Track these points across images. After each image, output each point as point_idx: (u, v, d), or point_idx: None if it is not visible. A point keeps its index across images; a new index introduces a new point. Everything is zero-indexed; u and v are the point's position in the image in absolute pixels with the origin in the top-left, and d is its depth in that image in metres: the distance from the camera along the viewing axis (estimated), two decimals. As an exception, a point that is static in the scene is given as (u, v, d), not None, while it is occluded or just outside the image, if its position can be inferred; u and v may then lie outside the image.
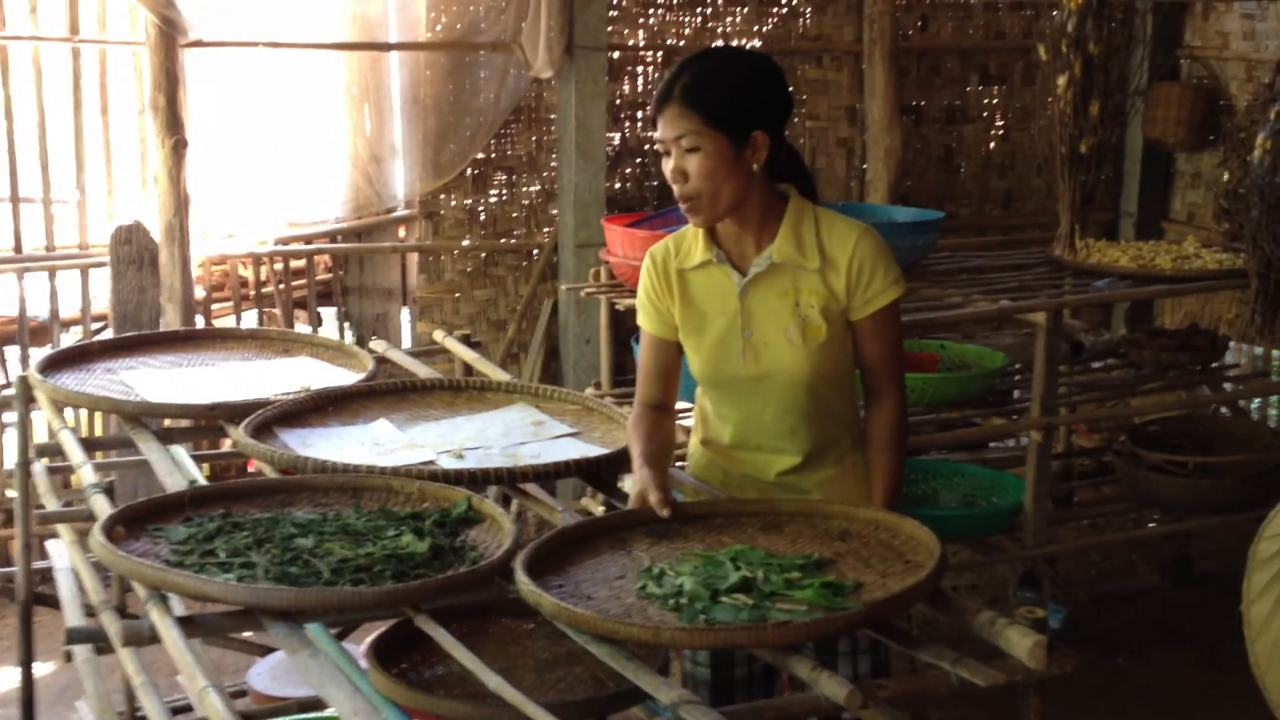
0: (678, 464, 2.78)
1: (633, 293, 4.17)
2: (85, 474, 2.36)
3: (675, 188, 2.37)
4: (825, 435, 2.52)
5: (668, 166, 2.36)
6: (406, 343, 5.48)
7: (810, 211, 2.45)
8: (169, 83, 4.69)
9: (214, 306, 5.20)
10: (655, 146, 2.46)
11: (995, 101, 6.45)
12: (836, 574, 1.88)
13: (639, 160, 5.80)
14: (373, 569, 1.84)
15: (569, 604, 1.75)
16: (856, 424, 2.60)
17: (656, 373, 2.52)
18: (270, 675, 3.13)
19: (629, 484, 2.88)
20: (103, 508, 2.20)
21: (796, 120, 6.01)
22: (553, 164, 5.65)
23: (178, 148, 4.69)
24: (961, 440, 4.28)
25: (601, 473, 2.41)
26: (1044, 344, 3.87)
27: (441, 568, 1.89)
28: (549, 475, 2.29)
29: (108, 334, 4.54)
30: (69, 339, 4.73)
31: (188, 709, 3.12)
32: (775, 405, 2.48)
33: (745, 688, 2.56)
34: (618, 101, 5.71)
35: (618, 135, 5.74)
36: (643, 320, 2.55)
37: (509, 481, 2.29)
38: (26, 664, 3.05)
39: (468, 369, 3.20)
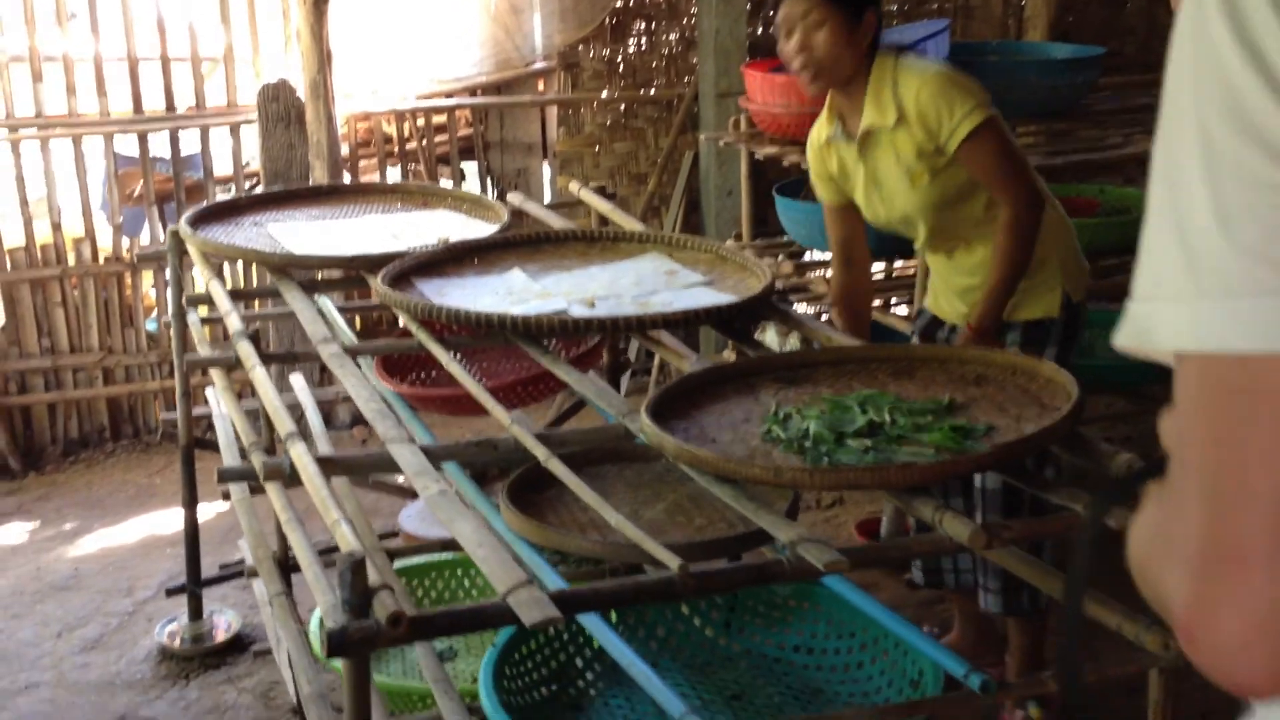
0: None
1: (774, 140, 4.12)
2: (233, 321, 2.45)
3: (796, 61, 2.67)
4: (979, 234, 2.74)
5: (788, 46, 2.66)
6: (548, 197, 5.49)
7: (890, 70, 2.68)
8: (309, -62, 4.70)
9: (360, 163, 5.28)
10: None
11: (1164, -70, 6.04)
12: (968, 418, 1.84)
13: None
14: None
15: (692, 446, 1.75)
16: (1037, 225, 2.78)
17: (843, 237, 2.89)
18: (419, 517, 3.24)
19: (769, 335, 2.89)
20: (248, 351, 2.28)
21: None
22: (693, 10, 5.51)
23: (319, 4, 4.71)
24: (1121, 288, 4.12)
25: (734, 321, 2.39)
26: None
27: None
28: (678, 323, 2.28)
29: (259, 191, 4.65)
30: (223, 196, 4.87)
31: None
32: (920, 233, 2.79)
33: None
34: (759, -57, 5.53)
35: (760, -21, 5.57)
36: (819, 192, 2.90)
37: (639, 329, 2.29)
38: (191, 505, 3.22)
39: (602, 220, 3.19)
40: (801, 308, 3.73)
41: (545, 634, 2.16)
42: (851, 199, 2.86)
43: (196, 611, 3.37)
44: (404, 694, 2.45)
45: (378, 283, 2.50)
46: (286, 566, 2.67)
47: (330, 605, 1.41)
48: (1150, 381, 4.00)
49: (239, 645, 3.35)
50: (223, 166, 5.11)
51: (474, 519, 1.57)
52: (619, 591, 1.42)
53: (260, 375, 2.14)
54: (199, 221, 3.04)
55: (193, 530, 3.25)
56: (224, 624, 3.40)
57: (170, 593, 3.51)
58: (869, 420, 1.82)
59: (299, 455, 1.79)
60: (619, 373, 3.44)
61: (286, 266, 2.78)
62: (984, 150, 2.62)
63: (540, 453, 1.83)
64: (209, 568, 3.61)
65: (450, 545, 2.81)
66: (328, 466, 1.80)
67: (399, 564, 2.83)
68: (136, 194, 5.03)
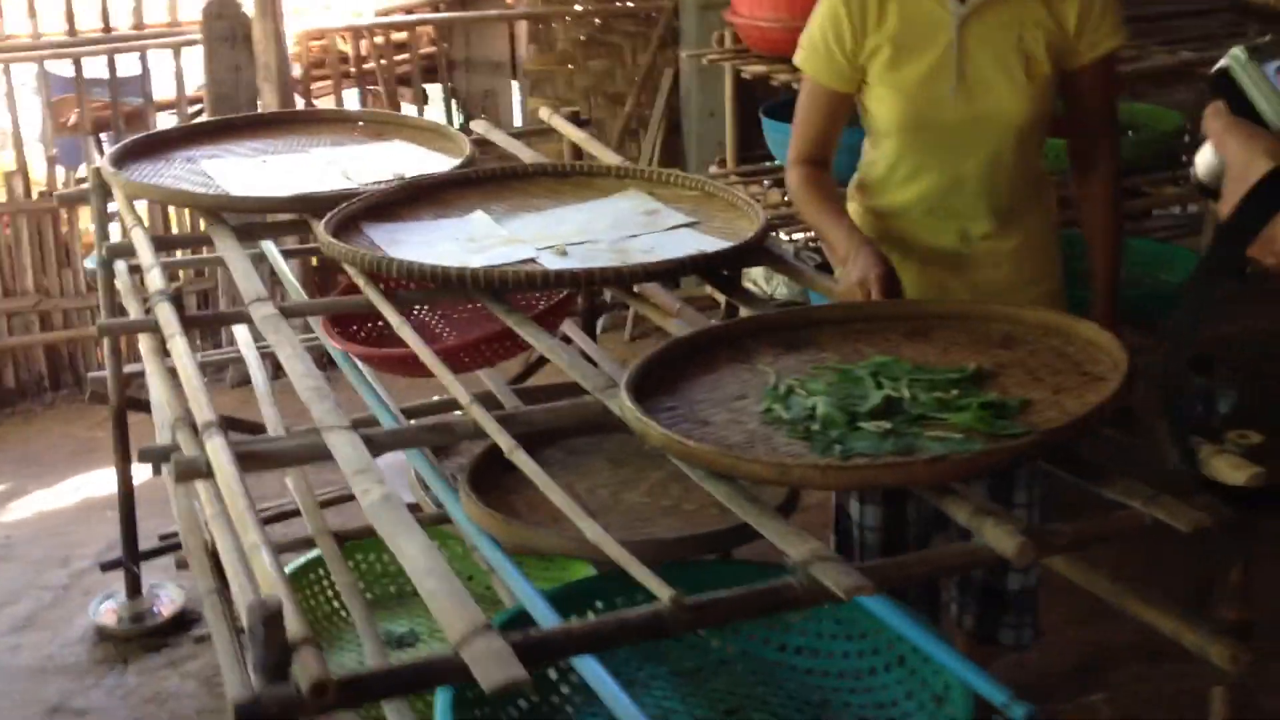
0: None
1: (761, 58, 3.81)
2: (153, 278, 2.16)
3: None
4: (1022, 195, 2.33)
5: None
6: (518, 120, 5.17)
7: None
8: None
9: (314, 85, 4.94)
10: None
11: None
12: (999, 390, 1.58)
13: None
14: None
15: (681, 433, 1.49)
16: (1046, 184, 2.41)
17: (820, 131, 2.33)
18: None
19: (761, 278, 2.60)
20: (168, 317, 2.00)
21: None
22: (671, -85, 5.16)
23: (266, -88, 4.36)
24: (1132, 211, 3.86)
25: (723, 268, 2.12)
26: (1230, 101, 3.40)
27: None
28: (662, 275, 2.01)
29: (204, 119, 4.32)
30: (166, 123, 4.54)
31: (295, 513, 3.01)
32: (979, 156, 2.26)
33: (915, 528, 2.36)
34: None
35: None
36: (812, 66, 2.31)
37: (616, 282, 2.02)
38: (124, 471, 2.95)
39: (576, 151, 2.90)
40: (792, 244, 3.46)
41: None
42: (847, 90, 2.29)
43: (135, 588, 3.12)
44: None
45: (320, 230, 2.22)
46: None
47: (235, 671, 1.15)
48: (1162, 312, 3.75)
49: (182, 623, 3.11)
50: (165, 91, 4.77)
51: (422, 538, 1.30)
52: (598, 632, 1.17)
53: (179, 347, 1.86)
54: (125, 158, 2.73)
55: (128, 500, 2.98)
56: (165, 600, 3.15)
57: (105, 567, 3.24)
58: (885, 396, 1.56)
59: (215, 451, 1.52)
60: (596, 316, 3.17)
61: (220, 210, 2.49)
62: (1110, 76, 2.29)
63: (504, 442, 1.57)
64: (149, 535, 3.33)
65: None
66: (250, 462, 1.53)
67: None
68: (72, 123, 4.69)
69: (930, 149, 2.28)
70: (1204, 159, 1.25)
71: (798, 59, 2.36)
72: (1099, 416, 1.43)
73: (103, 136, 4.62)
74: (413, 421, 1.70)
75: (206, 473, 1.53)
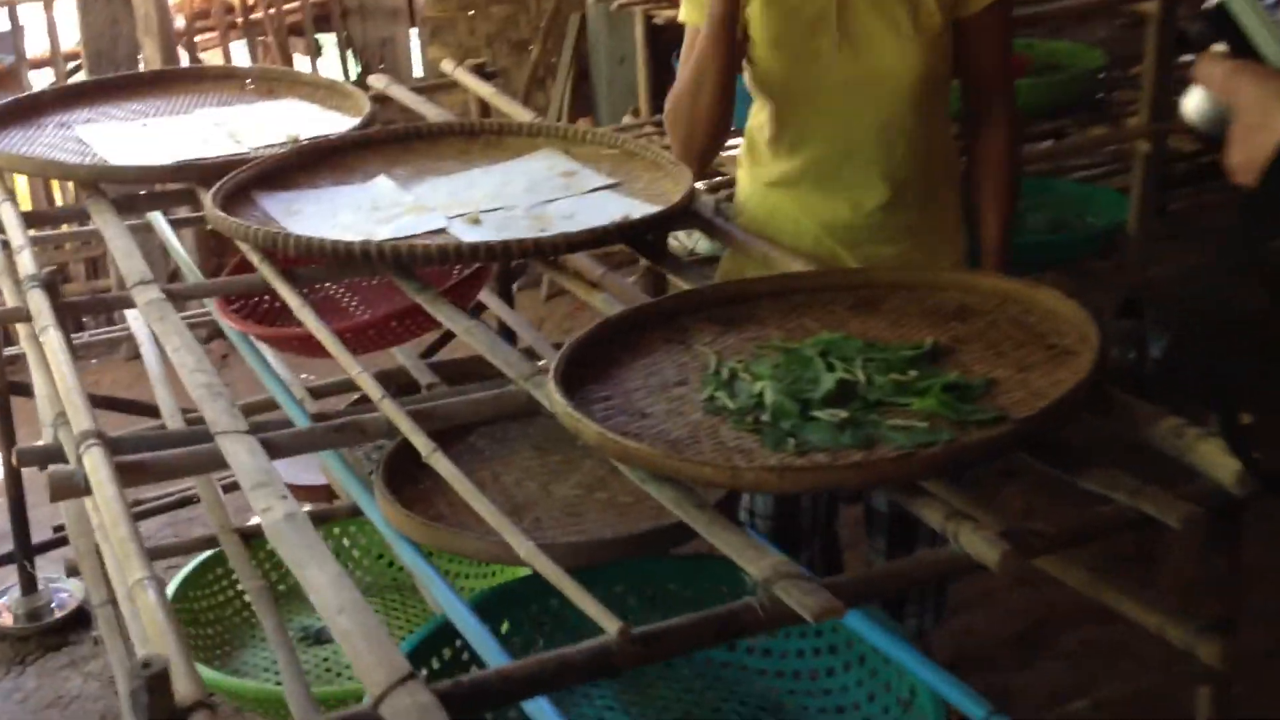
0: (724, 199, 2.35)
1: (673, 3, 3.63)
2: (23, 261, 1.96)
3: None
4: (919, 163, 2.13)
5: None
6: (418, 70, 4.94)
7: None
8: None
9: (198, 39, 4.66)
10: None
11: None
12: (959, 368, 1.46)
13: None
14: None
15: (618, 430, 1.35)
16: (950, 152, 2.22)
17: (725, 66, 2.07)
18: (299, 463, 2.82)
19: (685, 237, 2.45)
20: (40, 307, 1.80)
21: None
22: None
23: None
24: (1059, 153, 3.77)
25: (649, 235, 1.97)
26: (1157, 36, 3.34)
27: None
28: (584, 245, 1.86)
29: (80, 77, 4.04)
30: (41, 83, 4.25)
31: (193, 499, 2.83)
32: (869, 119, 2.08)
33: (809, 514, 2.24)
34: None
35: None
36: (693, 17, 2.12)
37: (536, 253, 1.86)
38: (9, 460, 2.74)
39: (484, 107, 2.71)
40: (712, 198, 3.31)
41: (447, 648, 1.78)
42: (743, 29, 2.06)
43: (31, 584, 2.92)
44: (267, 700, 2.05)
45: (208, 203, 2.02)
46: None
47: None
48: (1088, 255, 3.70)
49: (83, 620, 2.91)
50: (38, 48, 4.46)
51: (332, 566, 1.15)
52: (537, 676, 1.03)
53: (53, 341, 1.67)
54: (-10, 125, 2.50)
55: (16, 492, 2.77)
56: (64, 596, 2.95)
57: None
58: (838, 380, 1.43)
59: (93, 468, 1.35)
60: (512, 280, 3.00)
61: (97, 181, 2.28)
62: (1009, 25, 2.11)
63: (422, 444, 1.42)
64: (43, 524, 3.11)
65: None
66: (133, 475, 1.36)
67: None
68: (-64, 84, 4.38)
69: (811, 115, 2.11)
70: (1195, 103, 1.14)
71: (681, 13, 2.18)
72: (1078, 399, 1.31)
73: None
74: (318, 424, 1.53)
75: (84, 489, 1.36)
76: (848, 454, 1.29)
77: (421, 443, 1.41)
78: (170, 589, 2.33)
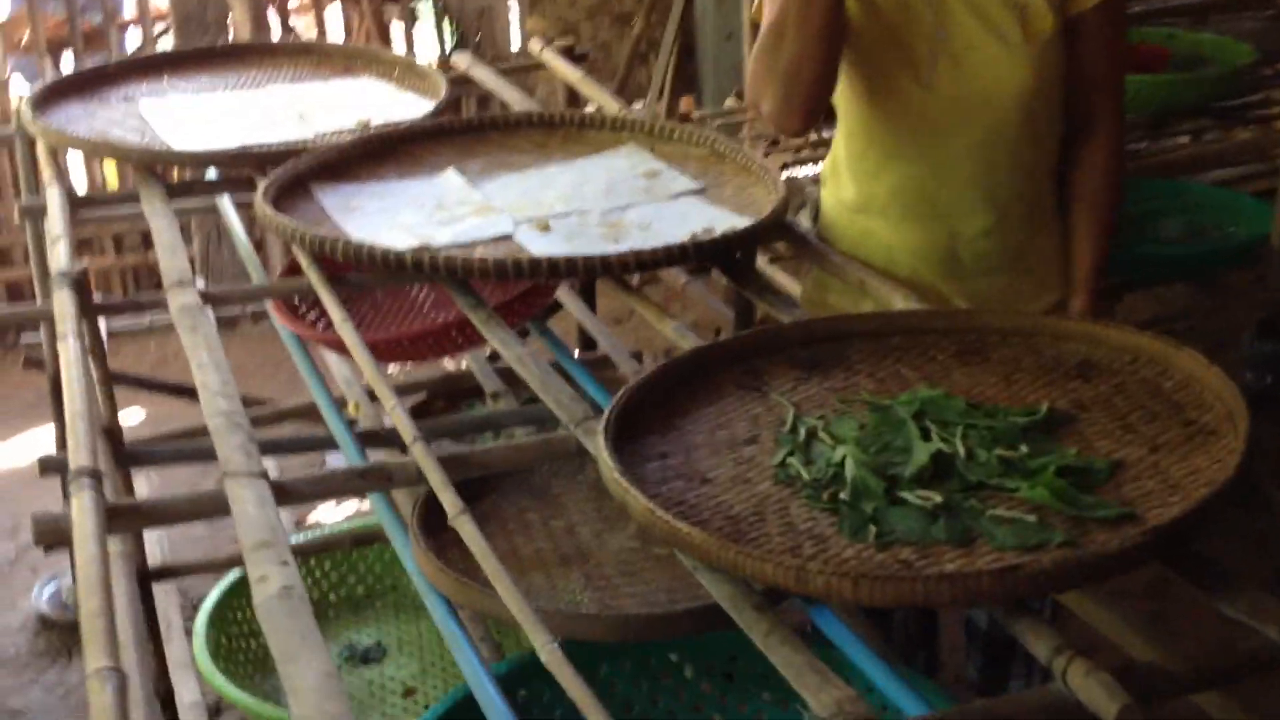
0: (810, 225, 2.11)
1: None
2: (58, 255, 1.82)
3: None
4: (1025, 182, 1.90)
5: None
6: (515, 40, 4.76)
7: None
8: None
9: (291, 4, 4.54)
10: None
11: None
12: (1078, 442, 1.25)
13: None
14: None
15: (674, 499, 1.17)
16: (1057, 166, 1.96)
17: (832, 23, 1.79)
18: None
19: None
20: (66, 307, 1.67)
21: None
22: None
23: None
24: (1199, 159, 3.46)
25: (735, 253, 1.77)
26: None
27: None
28: (658, 263, 1.66)
29: (168, 40, 3.94)
30: (131, 43, 4.16)
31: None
32: (970, 139, 1.84)
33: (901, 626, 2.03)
34: None
35: None
36: None
37: (604, 272, 1.67)
38: (63, 447, 2.64)
39: (571, 94, 2.53)
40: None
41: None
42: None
43: (81, 573, 2.83)
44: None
45: (259, 199, 1.87)
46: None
47: None
48: (1226, 267, 3.41)
49: (134, 612, 2.81)
50: (128, 8, 4.37)
51: (323, 663, 0.98)
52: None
53: (69, 352, 1.53)
54: (54, 95, 2.38)
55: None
56: (116, 587, 2.86)
57: (46, 548, 2.93)
58: (934, 452, 1.22)
59: (81, 509, 1.20)
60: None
61: (151, 163, 2.14)
62: (1122, 23, 1.88)
63: (450, 503, 1.24)
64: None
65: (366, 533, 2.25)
66: (124, 521, 1.22)
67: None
68: (25, 42, 4.31)
69: (903, 134, 1.88)
70: None
71: None
72: (1226, 499, 1.09)
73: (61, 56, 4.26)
74: (339, 469, 1.36)
75: (70, 539, 1.21)
76: (938, 553, 1.09)
77: (449, 501, 1.24)
78: (209, 600, 2.20)
